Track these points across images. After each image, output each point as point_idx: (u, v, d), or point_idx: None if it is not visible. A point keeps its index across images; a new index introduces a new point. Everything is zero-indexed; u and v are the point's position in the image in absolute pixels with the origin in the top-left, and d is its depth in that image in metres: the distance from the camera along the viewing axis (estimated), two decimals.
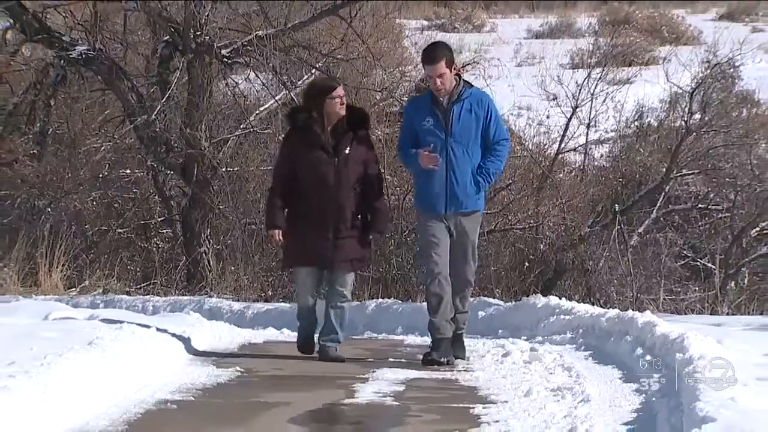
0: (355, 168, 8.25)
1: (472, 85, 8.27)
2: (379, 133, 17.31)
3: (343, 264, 8.29)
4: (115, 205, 18.53)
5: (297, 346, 8.64)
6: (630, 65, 25.66)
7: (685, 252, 17.52)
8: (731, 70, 18.44)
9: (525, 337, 9.50)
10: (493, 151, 8.14)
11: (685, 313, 13.08)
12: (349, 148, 8.23)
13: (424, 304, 11.15)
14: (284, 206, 8.36)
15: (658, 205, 17.26)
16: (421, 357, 8.43)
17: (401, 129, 8.63)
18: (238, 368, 7.77)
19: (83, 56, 16.43)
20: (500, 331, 10.36)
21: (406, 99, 16.29)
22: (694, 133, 17.30)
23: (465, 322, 8.52)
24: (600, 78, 18.18)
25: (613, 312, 9.03)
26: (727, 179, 17.66)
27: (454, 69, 8.15)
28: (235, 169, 17.20)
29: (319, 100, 8.26)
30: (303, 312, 8.52)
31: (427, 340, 9.63)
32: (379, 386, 7.16)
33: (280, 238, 8.32)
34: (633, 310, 9.20)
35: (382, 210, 8.50)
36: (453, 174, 8.05)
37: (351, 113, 8.37)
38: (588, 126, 18.02)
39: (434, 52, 8.14)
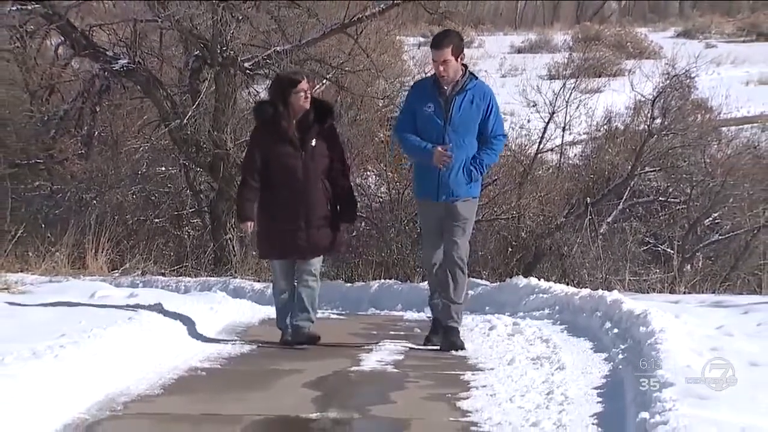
0: (322, 160, 7.42)
1: (477, 77, 7.35)
2: (382, 135, 17.31)
3: (315, 253, 7.52)
4: (152, 198, 18.51)
5: (280, 335, 7.67)
6: (600, 76, 25.72)
7: (647, 239, 17.49)
8: (687, 80, 18.37)
9: (508, 313, 9.46)
10: (490, 144, 7.28)
11: (648, 292, 13.01)
12: (315, 141, 7.40)
13: (422, 284, 11.17)
14: (255, 199, 7.50)
15: (624, 198, 17.24)
16: (418, 330, 8.39)
17: (401, 111, 7.68)
18: (258, 340, 7.75)
19: (125, 69, 16.39)
20: (487, 307, 10.32)
21: None
22: (656, 136, 17.28)
23: (457, 313, 7.45)
24: (574, 87, 18.17)
25: (585, 291, 9.00)
26: (684, 176, 17.64)
27: (461, 59, 7.20)
28: None
29: (285, 93, 7.41)
30: (279, 300, 7.66)
31: (423, 315, 9.64)
32: (381, 356, 7.15)
33: (250, 230, 7.61)
34: (602, 289, 9.16)
35: (349, 201, 7.62)
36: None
37: (317, 106, 7.52)
38: (563, 129, 17.99)
39: (442, 38, 7.18)
